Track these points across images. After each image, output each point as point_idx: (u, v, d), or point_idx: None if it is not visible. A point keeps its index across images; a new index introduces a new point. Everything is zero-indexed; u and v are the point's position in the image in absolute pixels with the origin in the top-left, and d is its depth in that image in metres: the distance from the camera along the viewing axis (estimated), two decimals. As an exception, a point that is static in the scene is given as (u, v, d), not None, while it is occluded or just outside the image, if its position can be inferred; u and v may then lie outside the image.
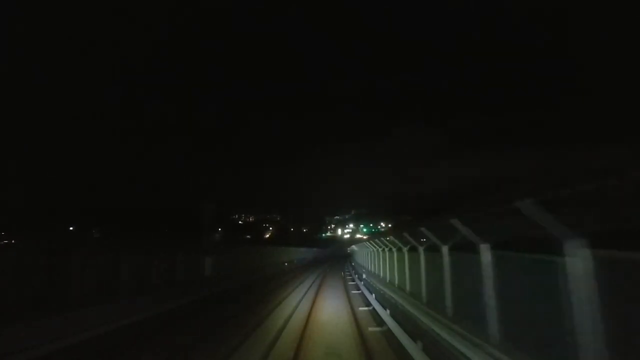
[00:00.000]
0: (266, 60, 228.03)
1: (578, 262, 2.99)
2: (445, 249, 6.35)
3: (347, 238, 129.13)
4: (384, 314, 9.59)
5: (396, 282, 11.80)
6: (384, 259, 14.43)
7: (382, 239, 14.19)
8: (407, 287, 10.10)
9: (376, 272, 17.37)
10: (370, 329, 9.60)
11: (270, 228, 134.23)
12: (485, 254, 4.74)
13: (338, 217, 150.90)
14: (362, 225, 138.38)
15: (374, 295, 13.23)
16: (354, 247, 32.29)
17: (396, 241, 10.95)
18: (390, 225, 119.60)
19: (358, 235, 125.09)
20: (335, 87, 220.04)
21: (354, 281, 21.32)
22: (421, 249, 8.22)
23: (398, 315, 8.97)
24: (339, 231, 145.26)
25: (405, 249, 10.29)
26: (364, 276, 19.59)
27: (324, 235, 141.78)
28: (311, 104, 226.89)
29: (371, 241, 17.96)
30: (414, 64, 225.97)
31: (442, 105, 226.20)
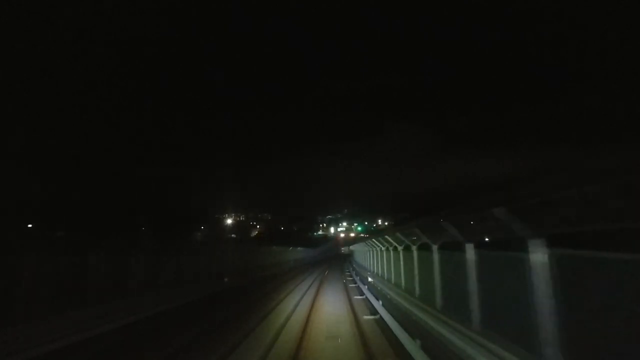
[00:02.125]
0: (264, 60, 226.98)
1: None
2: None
3: (341, 237, 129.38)
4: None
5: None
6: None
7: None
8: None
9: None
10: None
11: (258, 226, 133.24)
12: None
13: (330, 216, 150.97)
14: (356, 224, 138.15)
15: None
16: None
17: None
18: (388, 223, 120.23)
19: (352, 234, 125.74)
20: (335, 87, 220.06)
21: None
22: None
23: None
24: (332, 230, 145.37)
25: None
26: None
27: (315, 234, 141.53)
28: (306, 103, 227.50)
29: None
30: (414, 63, 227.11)
31: (440, 105, 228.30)
